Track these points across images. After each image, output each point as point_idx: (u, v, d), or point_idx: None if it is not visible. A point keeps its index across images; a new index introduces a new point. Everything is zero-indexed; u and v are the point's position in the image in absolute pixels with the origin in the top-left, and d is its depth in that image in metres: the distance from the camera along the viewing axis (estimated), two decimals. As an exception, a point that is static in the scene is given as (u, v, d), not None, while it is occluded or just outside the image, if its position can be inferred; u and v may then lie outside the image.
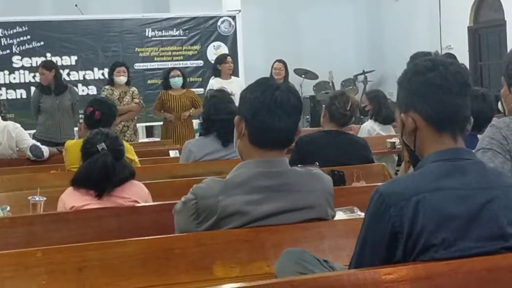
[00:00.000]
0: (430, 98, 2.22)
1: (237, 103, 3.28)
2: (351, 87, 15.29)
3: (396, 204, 2.11)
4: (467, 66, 10.58)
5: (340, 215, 3.38)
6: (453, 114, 2.23)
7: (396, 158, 7.88)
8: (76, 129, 9.53)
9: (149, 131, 12.51)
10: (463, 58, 11.48)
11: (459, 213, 2.10)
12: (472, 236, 2.11)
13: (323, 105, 5.57)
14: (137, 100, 9.57)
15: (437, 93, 2.21)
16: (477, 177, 2.17)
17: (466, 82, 2.25)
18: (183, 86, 9.90)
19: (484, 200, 2.13)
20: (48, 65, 9.23)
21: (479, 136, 3.69)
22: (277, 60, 10.36)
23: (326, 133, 5.36)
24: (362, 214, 3.37)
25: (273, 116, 2.76)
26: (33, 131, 9.00)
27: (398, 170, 6.70)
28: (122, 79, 9.49)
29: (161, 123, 10.25)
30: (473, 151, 3.30)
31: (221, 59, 10.30)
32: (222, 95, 5.73)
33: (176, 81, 9.77)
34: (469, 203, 2.12)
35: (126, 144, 5.20)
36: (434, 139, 2.24)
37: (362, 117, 11.77)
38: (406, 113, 2.27)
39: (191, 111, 9.70)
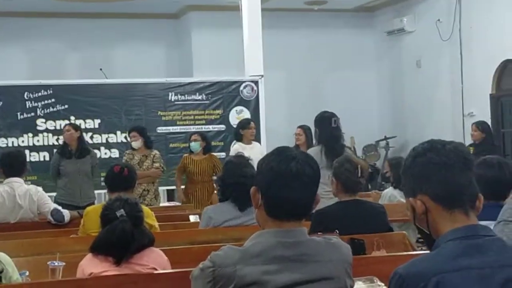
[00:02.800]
0: (434, 177, 2.23)
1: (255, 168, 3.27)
2: (372, 152, 15.30)
3: (416, 286, 2.08)
4: (490, 133, 10.57)
5: (359, 285, 3.35)
6: (460, 190, 2.22)
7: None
8: (96, 192, 9.65)
9: (170, 195, 12.52)
10: (485, 125, 11.45)
11: None
12: None
13: (330, 174, 5.53)
14: (157, 164, 9.65)
15: (441, 171, 2.22)
16: (496, 254, 2.14)
17: (467, 157, 2.26)
18: (206, 151, 9.96)
19: (505, 279, 2.09)
20: (75, 125, 9.63)
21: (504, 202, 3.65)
22: (299, 126, 10.41)
23: (343, 203, 5.34)
24: (383, 285, 3.35)
25: (288, 188, 2.75)
26: (54, 194, 9.05)
27: (420, 238, 6.62)
28: (134, 144, 9.66)
29: (182, 186, 10.27)
30: (495, 222, 3.28)
31: (244, 124, 10.35)
32: (238, 160, 5.77)
33: (193, 145, 9.90)
34: (489, 282, 2.08)
35: (146, 209, 5.23)
36: (446, 217, 2.22)
37: (383, 183, 11.74)
38: (414, 197, 2.27)
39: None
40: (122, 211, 3.97)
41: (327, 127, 7.23)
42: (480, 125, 11.05)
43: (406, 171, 2.33)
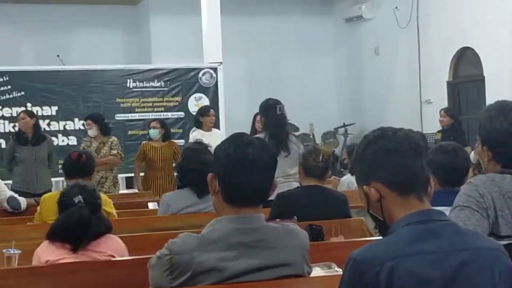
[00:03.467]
0: (387, 164, 2.24)
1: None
2: (331, 140, 15.36)
3: (371, 270, 2.09)
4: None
5: (317, 271, 3.35)
6: (414, 175, 2.25)
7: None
8: (53, 179, 9.55)
9: (130, 182, 12.44)
10: (443, 112, 11.56)
11: (434, 277, 2.09)
12: None
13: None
14: (114, 151, 9.56)
15: (393, 158, 2.24)
16: (451, 239, 2.16)
17: (418, 144, 2.29)
18: (165, 138, 9.91)
19: (459, 263, 2.12)
20: (30, 112, 9.50)
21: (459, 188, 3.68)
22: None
23: (305, 188, 5.38)
24: (340, 270, 3.35)
25: (245, 174, 2.75)
26: (10, 181, 8.95)
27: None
28: (90, 132, 9.63)
29: (142, 174, 10.21)
30: (451, 208, 3.31)
31: (203, 111, 10.27)
32: (197, 147, 5.77)
33: (152, 132, 9.86)
34: (444, 266, 2.11)
35: (104, 196, 5.20)
36: (400, 203, 2.24)
37: (342, 170, 11.81)
38: (368, 185, 2.28)
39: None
40: (80, 198, 3.94)
41: (272, 115, 7.26)
42: (448, 111, 11.17)
43: (358, 159, 2.35)
